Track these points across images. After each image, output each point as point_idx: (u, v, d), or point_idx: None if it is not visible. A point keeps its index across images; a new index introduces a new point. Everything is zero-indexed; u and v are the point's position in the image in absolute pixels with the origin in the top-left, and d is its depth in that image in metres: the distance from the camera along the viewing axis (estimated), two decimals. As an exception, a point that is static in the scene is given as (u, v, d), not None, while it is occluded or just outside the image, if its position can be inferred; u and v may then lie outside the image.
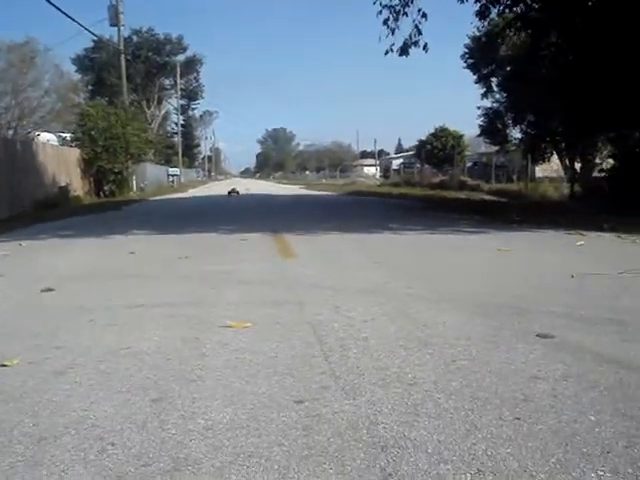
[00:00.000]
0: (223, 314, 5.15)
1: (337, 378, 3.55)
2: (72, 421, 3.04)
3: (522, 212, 15.45)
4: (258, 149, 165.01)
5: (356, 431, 2.84)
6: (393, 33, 17.86)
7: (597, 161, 26.61)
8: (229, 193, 31.88)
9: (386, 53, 17.94)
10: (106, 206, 22.22)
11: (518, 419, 2.95)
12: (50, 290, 6.43)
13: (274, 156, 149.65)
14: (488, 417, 2.97)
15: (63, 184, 24.61)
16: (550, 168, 32.95)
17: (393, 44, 17.90)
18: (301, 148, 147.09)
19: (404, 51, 17.88)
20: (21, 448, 2.77)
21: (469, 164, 47.87)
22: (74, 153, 28.07)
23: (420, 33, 17.79)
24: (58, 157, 25.06)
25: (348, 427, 2.88)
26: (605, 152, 25.26)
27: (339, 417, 2.99)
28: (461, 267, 7.67)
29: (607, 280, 6.51)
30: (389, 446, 2.69)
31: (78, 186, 27.22)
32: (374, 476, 2.44)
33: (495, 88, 31.24)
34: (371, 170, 77.69)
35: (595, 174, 23.98)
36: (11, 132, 29.84)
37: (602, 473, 2.43)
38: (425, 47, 17.90)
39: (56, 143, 29.56)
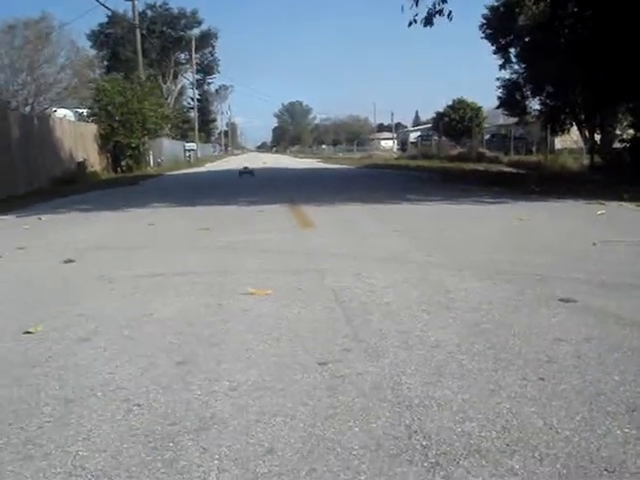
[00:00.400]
0: (244, 282, 5.17)
1: (360, 341, 3.56)
2: (98, 384, 3.07)
3: (541, 183, 15.36)
4: (274, 123, 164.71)
5: (380, 391, 2.85)
6: (417, 4, 17.52)
7: (617, 132, 26.30)
8: (240, 174, 24.31)
9: (410, 24, 17.61)
10: (124, 181, 22.29)
11: (542, 379, 2.94)
12: (71, 261, 6.47)
13: (290, 130, 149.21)
14: (512, 377, 2.97)
15: (81, 159, 24.67)
16: (570, 139, 32.62)
17: (417, 14, 17.59)
18: (317, 122, 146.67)
19: (428, 21, 17.55)
20: (48, 409, 2.80)
21: (487, 136, 47.53)
22: (91, 128, 28.12)
23: (444, 1, 17.46)
24: (75, 133, 25.11)
25: (372, 387, 2.89)
26: (625, 123, 24.95)
27: (363, 378, 3.01)
28: (481, 236, 7.64)
29: (628, 247, 6.47)
30: (414, 405, 2.69)
31: (95, 161, 27.29)
32: (399, 433, 2.45)
33: (513, 59, 30.88)
34: (388, 143, 77.46)
35: (615, 145, 23.71)
36: (28, 108, 29.93)
37: (628, 430, 2.43)
38: (450, 15, 17.51)
39: (73, 119, 29.61)
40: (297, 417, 2.62)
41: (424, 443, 2.36)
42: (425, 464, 2.22)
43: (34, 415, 2.75)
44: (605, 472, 2.14)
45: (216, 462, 2.28)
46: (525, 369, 3.07)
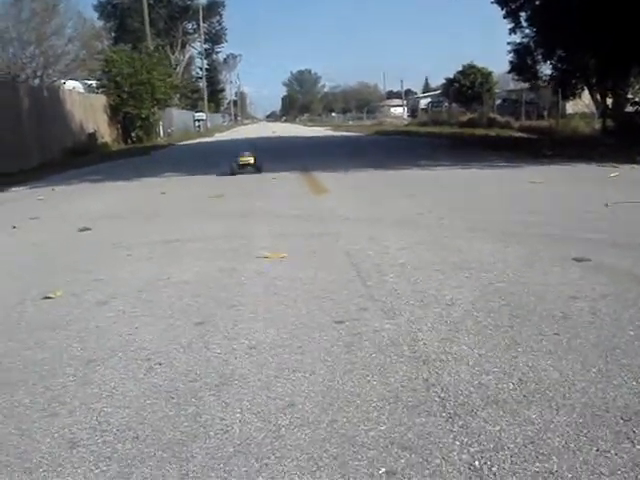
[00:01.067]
0: (259, 246, 5.21)
1: (375, 300, 3.60)
2: (119, 344, 3.12)
3: (553, 147, 15.27)
4: (283, 92, 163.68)
5: (397, 347, 2.89)
6: None
7: (629, 96, 26.04)
8: (239, 166, 11.93)
9: None
10: (135, 151, 22.30)
11: (557, 334, 2.97)
12: (87, 229, 6.52)
13: (300, 99, 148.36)
14: (528, 333, 3.00)
15: (91, 131, 24.68)
16: (581, 103, 32.32)
17: None
18: (327, 90, 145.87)
19: None
20: (71, 370, 2.85)
21: (498, 101, 47.10)
22: (100, 100, 28.09)
23: None
24: (85, 104, 25.09)
25: (389, 344, 2.93)
26: (637, 86, 24.69)
27: (380, 335, 3.04)
28: (493, 199, 7.65)
29: (642, 207, 6.47)
30: (430, 360, 2.73)
31: (106, 133, 27.29)
32: (417, 386, 2.49)
33: (524, 23, 30.49)
34: (398, 110, 76.96)
35: (628, 109, 23.49)
36: (37, 81, 29.88)
37: (644, 382, 2.46)
38: None
39: (82, 90, 29.55)
40: (316, 372, 2.66)
41: (442, 395, 2.40)
42: (443, 414, 2.26)
43: (58, 375, 2.80)
44: (621, 420, 2.17)
45: (238, 415, 2.33)
46: (540, 325, 3.10)
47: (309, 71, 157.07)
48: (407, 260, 4.51)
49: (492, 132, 28.04)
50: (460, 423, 2.19)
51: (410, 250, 4.84)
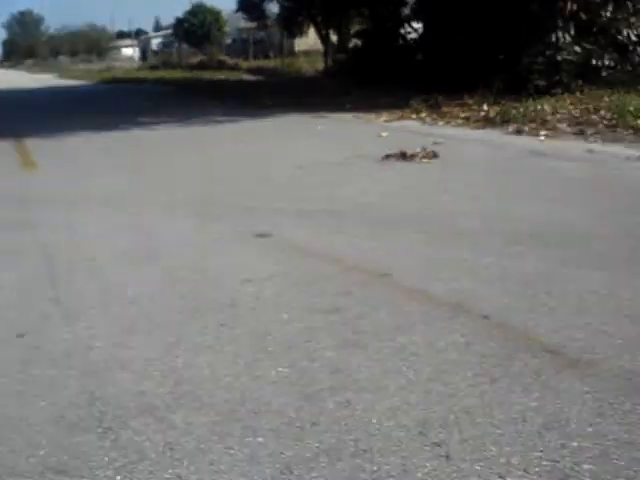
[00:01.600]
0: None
1: (60, 305, 3.69)
2: None
3: (275, 94, 15.86)
4: (4, 36, 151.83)
5: (71, 359, 3.02)
6: None
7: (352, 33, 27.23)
8: None
9: None
10: None
11: (222, 325, 3.27)
12: None
13: (22, 42, 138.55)
14: (195, 327, 3.28)
15: None
16: (312, 42, 33.41)
17: None
18: (52, 32, 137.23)
19: None
20: None
21: (229, 41, 47.40)
22: None
23: None
24: None
25: (64, 356, 3.05)
26: (358, 27, 25.88)
27: (57, 347, 3.15)
28: (205, 167, 7.86)
29: (332, 168, 7.06)
30: (99, 370, 2.90)
31: None
32: (82, 402, 2.65)
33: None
34: (130, 51, 74.57)
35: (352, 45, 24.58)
36: None
37: (282, 369, 2.81)
38: None
39: None
40: (-13, 399, 2.75)
41: (102, 409, 2.58)
42: (99, 430, 2.44)
43: None
44: (253, 414, 2.50)
45: None
46: (207, 316, 3.39)
47: (30, 11, 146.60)
48: (100, 252, 4.59)
49: (222, 75, 28.28)
50: (112, 437, 2.39)
51: (107, 239, 4.94)
